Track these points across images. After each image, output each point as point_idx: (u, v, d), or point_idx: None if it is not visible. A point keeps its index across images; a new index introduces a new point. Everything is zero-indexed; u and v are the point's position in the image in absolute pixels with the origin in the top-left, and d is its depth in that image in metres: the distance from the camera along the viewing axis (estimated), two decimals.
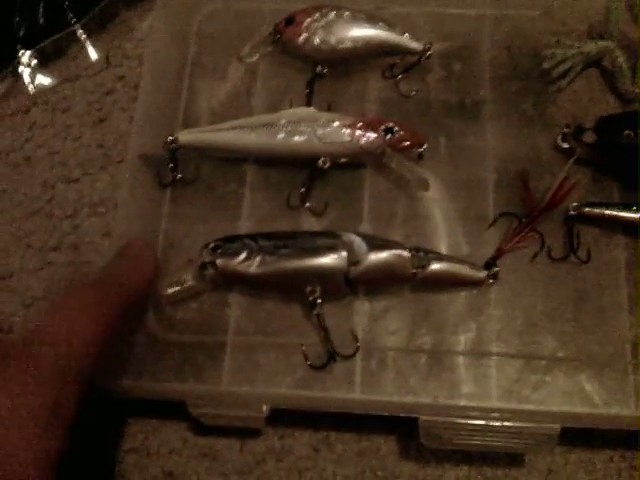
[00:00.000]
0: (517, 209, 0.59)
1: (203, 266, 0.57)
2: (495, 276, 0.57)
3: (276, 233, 0.58)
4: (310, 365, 0.56)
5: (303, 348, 0.56)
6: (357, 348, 0.56)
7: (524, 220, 0.58)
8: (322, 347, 0.56)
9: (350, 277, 0.56)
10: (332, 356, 0.55)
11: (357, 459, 0.58)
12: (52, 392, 0.42)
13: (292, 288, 0.57)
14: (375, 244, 0.56)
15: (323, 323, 0.56)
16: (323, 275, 0.56)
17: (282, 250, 0.56)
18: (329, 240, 0.56)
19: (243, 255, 0.56)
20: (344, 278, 0.56)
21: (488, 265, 0.57)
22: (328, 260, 0.55)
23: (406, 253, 0.56)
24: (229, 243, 0.57)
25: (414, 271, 0.56)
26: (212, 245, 0.57)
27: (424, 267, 0.56)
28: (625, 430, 0.53)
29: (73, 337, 0.45)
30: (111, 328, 0.48)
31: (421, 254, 0.56)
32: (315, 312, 0.56)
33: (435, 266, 0.56)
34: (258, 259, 0.55)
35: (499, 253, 0.57)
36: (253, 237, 0.57)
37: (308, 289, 0.56)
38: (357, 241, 0.56)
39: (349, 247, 0.56)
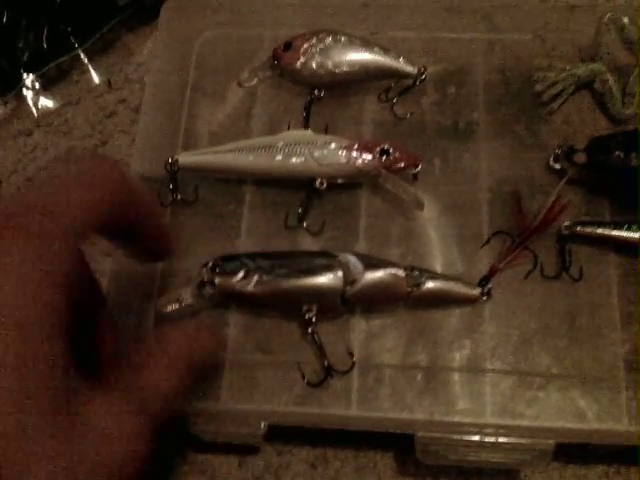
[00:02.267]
0: (511, 228, 0.60)
1: (202, 284, 0.57)
2: (488, 293, 0.58)
3: (274, 253, 0.59)
4: (308, 382, 0.57)
5: (300, 366, 0.57)
6: (353, 364, 0.57)
7: (517, 239, 0.59)
8: (319, 364, 0.57)
9: (346, 296, 0.56)
10: (328, 372, 0.56)
11: (354, 475, 0.58)
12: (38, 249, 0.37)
13: (289, 306, 0.58)
14: (371, 263, 0.57)
15: (318, 341, 0.57)
16: (319, 294, 0.57)
17: (279, 270, 0.57)
18: (325, 260, 0.57)
19: (241, 274, 0.56)
20: (340, 297, 0.56)
21: (482, 282, 0.58)
22: (324, 279, 0.56)
23: (401, 272, 0.57)
24: (227, 262, 0.58)
25: (409, 290, 0.57)
26: (211, 264, 0.58)
27: (419, 286, 0.57)
28: (619, 445, 0.54)
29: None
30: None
31: (416, 273, 0.57)
32: (310, 330, 0.57)
33: (430, 285, 0.57)
34: (255, 278, 0.56)
35: (492, 271, 0.58)
36: (251, 256, 0.58)
37: (304, 308, 0.57)
38: (353, 261, 0.57)
39: (345, 267, 0.57)
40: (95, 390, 0.38)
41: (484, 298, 0.58)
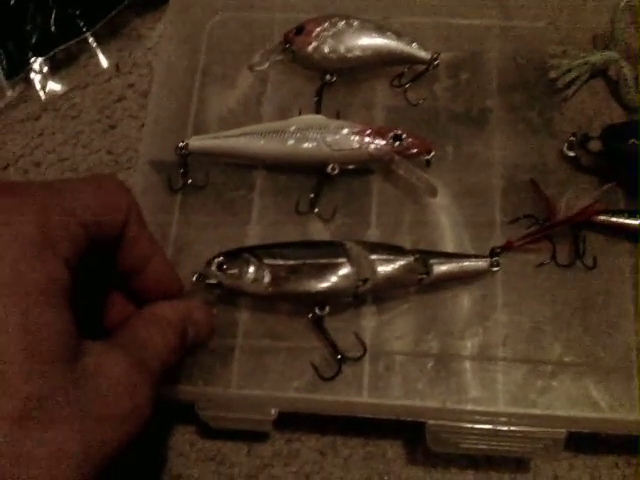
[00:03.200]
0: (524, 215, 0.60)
1: (209, 286, 0.56)
2: (498, 264, 0.58)
3: (277, 246, 0.58)
4: (321, 377, 0.56)
5: (312, 362, 0.57)
6: (365, 350, 0.56)
7: (545, 224, 0.59)
8: (328, 352, 0.57)
9: (358, 293, 0.56)
10: (342, 363, 0.56)
11: (364, 464, 0.58)
12: (39, 219, 0.39)
13: (300, 305, 0.58)
14: (380, 258, 0.56)
15: (330, 337, 0.56)
16: (332, 296, 0.56)
17: (290, 273, 0.55)
18: (335, 258, 0.56)
19: (251, 276, 0.55)
20: (352, 295, 0.56)
21: (493, 252, 0.58)
22: (336, 280, 0.55)
23: (410, 261, 0.56)
24: (233, 260, 0.56)
25: (420, 277, 0.57)
26: (216, 262, 0.56)
27: (428, 273, 0.57)
28: (631, 435, 0.53)
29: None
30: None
31: (424, 259, 0.57)
32: (322, 326, 0.57)
33: (440, 268, 0.57)
34: (267, 280, 0.55)
35: (507, 245, 0.58)
36: (256, 253, 0.56)
37: (317, 309, 0.56)
38: (363, 257, 0.56)
39: (356, 263, 0.56)
40: (101, 346, 0.41)
41: (494, 269, 0.58)
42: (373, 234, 0.61)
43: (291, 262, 0.56)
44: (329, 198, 0.62)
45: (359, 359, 0.56)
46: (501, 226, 0.60)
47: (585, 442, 0.56)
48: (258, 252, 0.56)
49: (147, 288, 0.50)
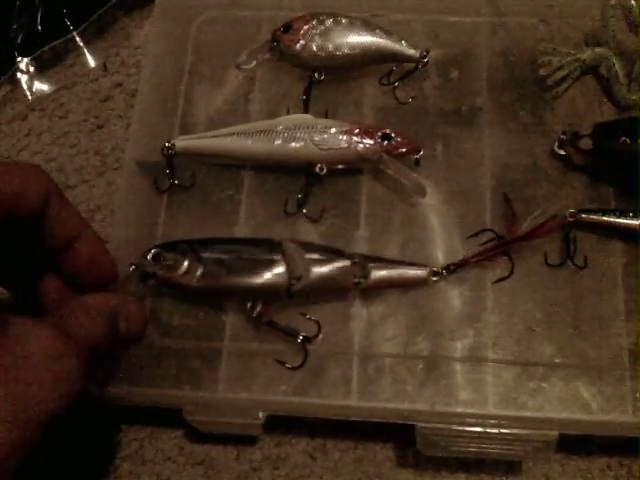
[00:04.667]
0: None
1: (144, 276, 0.57)
2: (440, 275, 0.57)
3: (214, 240, 0.58)
4: (290, 367, 0.56)
5: (277, 358, 0.56)
6: (319, 327, 0.56)
7: (500, 240, 0.58)
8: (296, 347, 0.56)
9: (292, 291, 0.56)
10: (305, 346, 0.56)
11: (353, 467, 0.57)
12: None
13: (233, 300, 0.58)
14: (315, 259, 0.56)
15: (278, 326, 0.56)
16: (264, 292, 0.56)
17: (223, 267, 0.56)
18: (270, 255, 0.56)
19: (184, 268, 0.56)
20: (286, 292, 0.56)
21: (448, 267, 0.57)
22: (270, 277, 0.56)
23: (347, 264, 0.56)
24: (168, 252, 0.57)
25: (357, 281, 0.56)
26: (152, 254, 0.57)
27: (366, 277, 0.56)
28: (622, 437, 0.53)
29: None
30: None
31: (362, 263, 0.56)
32: (264, 321, 0.56)
33: (377, 274, 0.57)
34: (199, 272, 0.56)
35: (464, 262, 0.58)
36: (192, 245, 0.57)
37: (248, 305, 0.56)
38: (298, 255, 0.56)
39: (290, 260, 0.56)
40: (28, 320, 0.43)
41: (434, 279, 0.57)
42: (362, 234, 0.60)
43: (226, 256, 0.56)
44: (317, 198, 0.62)
45: (316, 336, 0.56)
46: (491, 225, 0.59)
47: (577, 444, 0.56)
48: (195, 245, 0.57)
49: (78, 269, 0.53)
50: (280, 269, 0.56)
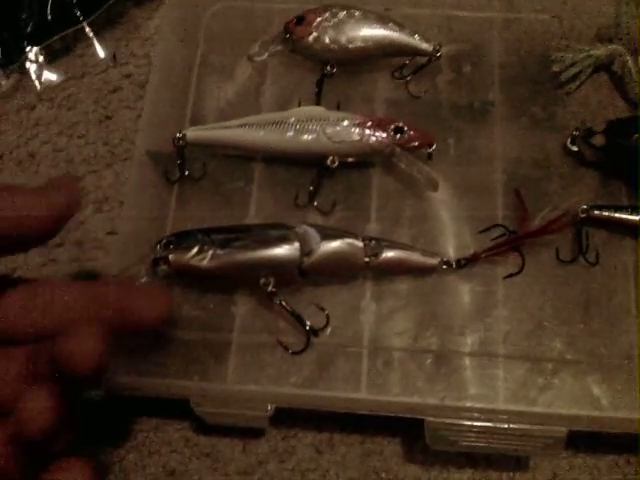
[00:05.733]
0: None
1: (156, 262, 0.57)
2: (450, 264, 0.57)
3: (228, 227, 0.58)
4: (292, 352, 0.56)
5: (279, 339, 0.56)
6: (327, 318, 0.56)
7: (511, 236, 0.58)
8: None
9: (303, 267, 0.56)
10: (309, 336, 0.56)
11: (361, 461, 0.57)
12: None
13: (246, 280, 0.57)
14: (327, 234, 0.56)
15: (289, 309, 0.56)
16: (276, 266, 0.56)
17: (234, 243, 0.56)
18: (281, 232, 0.56)
19: (195, 249, 0.56)
20: (297, 268, 0.56)
21: (459, 262, 0.57)
22: (281, 251, 0.55)
23: (358, 242, 0.56)
24: (181, 238, 0.57)
25: (367, 260, 0.56)
26: (164, 241, 0.57)
27: (377, 255, 0.56)
28: (631, 434, 0.53)
29: None
30: None
31: (373, 243, 0.56)
32: (276, 301, 0.56)
33: (388, 254, 0.56)
34: (210, 252, 0.55)
35: (474, 257, 0.57)
36: (205, 231, 0.57)
37: (262, 281, 0.56)
38: (309, 231, 0.56)
39: (302, 238, 0.56)
40: None
41: (444, 267, 0.57)
42: (373, 228, 0.60)
43: (237, 235, 0.56)
44: (328, 191, 0.61)
45: (324, 328, 0.56)
46: (502, 220, 0.59)
47: (585, 441, 0.55)
48: (205, 229, 0.57)
49: None
50: (291, 244, 0.55)
